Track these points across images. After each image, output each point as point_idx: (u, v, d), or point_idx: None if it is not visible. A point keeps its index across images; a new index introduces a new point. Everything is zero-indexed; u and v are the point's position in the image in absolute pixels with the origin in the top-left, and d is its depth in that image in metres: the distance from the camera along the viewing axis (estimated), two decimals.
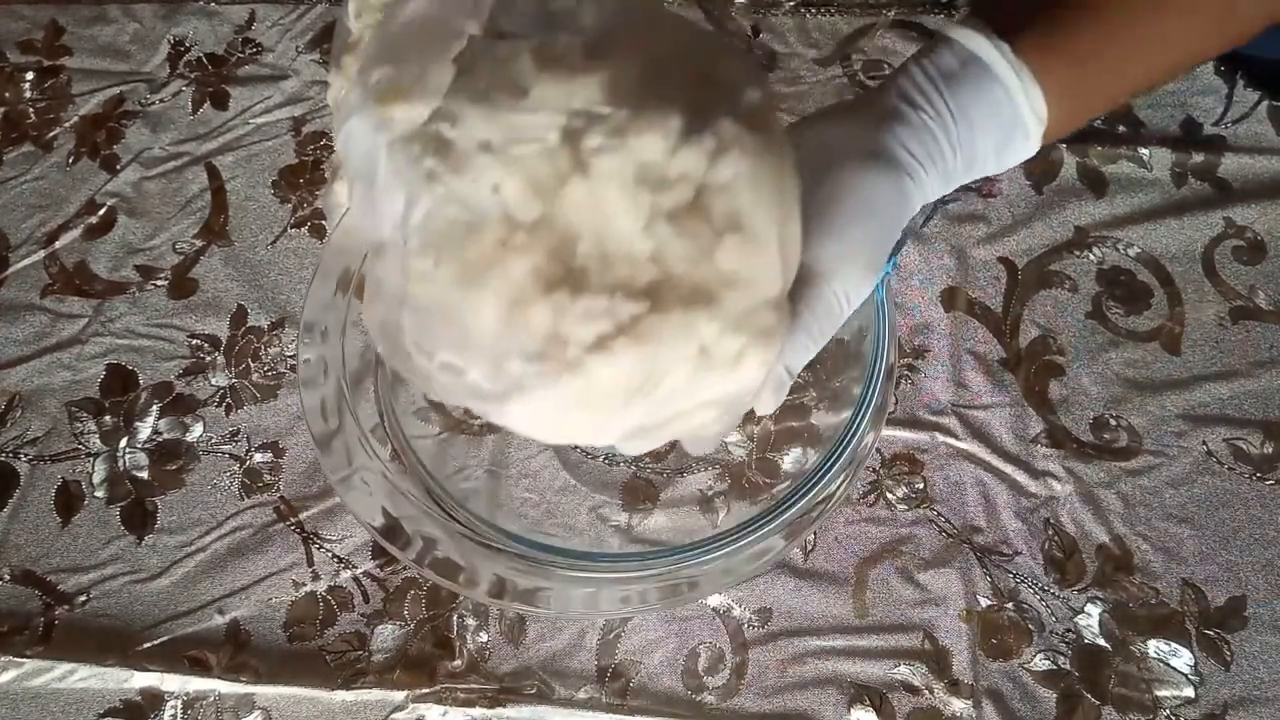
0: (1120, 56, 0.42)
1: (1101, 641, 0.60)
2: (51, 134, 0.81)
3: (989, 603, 0.62)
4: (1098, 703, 0.59)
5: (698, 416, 0.39)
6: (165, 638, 0.63)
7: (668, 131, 0.34)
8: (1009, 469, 0.65)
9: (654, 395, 0.37)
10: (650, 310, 0.35)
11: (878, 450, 0.66)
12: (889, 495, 0.65)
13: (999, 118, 0.42)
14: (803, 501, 0.50)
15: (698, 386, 0.37)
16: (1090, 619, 0.61)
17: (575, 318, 0.34)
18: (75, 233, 0.77)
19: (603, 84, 0.34)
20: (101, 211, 0.78)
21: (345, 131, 0.35)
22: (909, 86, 0.42)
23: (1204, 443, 0.65)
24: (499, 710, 0.59)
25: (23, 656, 0.62)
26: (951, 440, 0.66)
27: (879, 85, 0.44)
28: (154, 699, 0.61)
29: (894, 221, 0.42)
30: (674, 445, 0.64)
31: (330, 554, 0.65)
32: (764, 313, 0.37)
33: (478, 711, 0.59)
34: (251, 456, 0.68)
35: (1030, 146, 0.43)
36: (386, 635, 0.62)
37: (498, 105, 0.33)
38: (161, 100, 0.82)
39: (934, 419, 0.67)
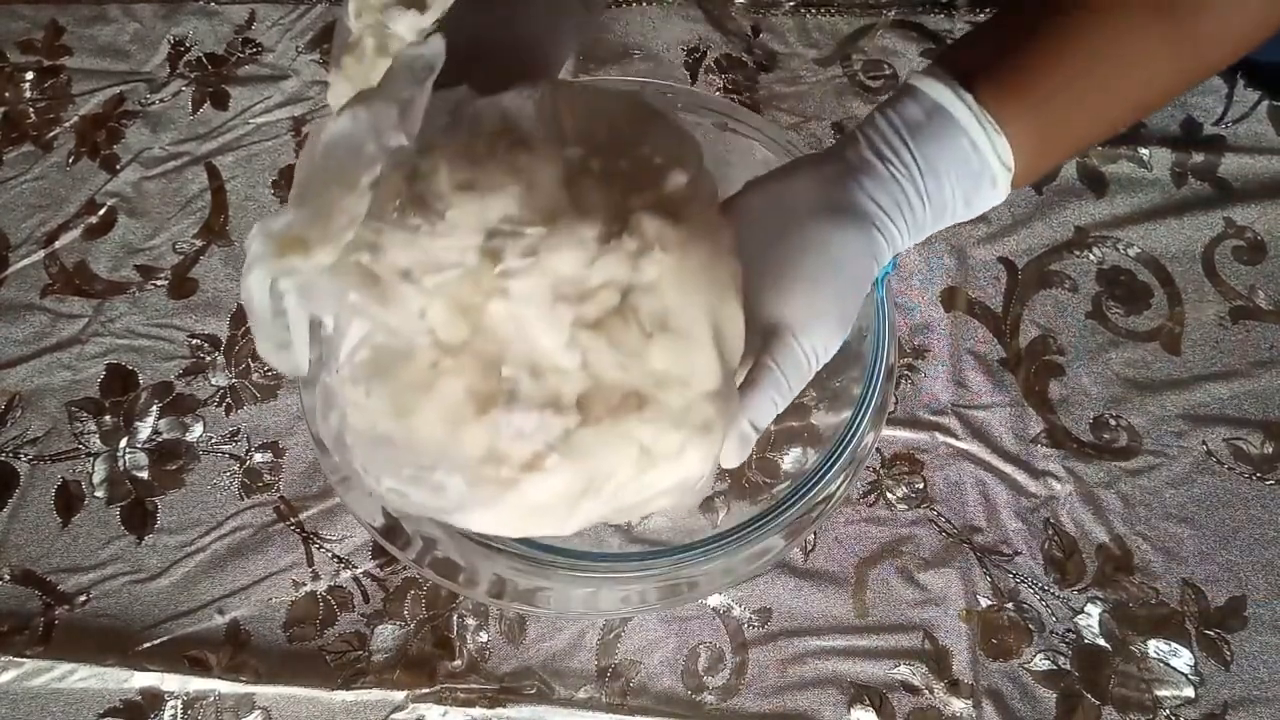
0: (1084, 101, 0.42)
1: (1101, 641, 0.60)
2: (51, 134, 0.81)
3: (989, 603, 0.62)
4: (1098, 703, 0.59)
5: (654, 503, 0.39)
6: (165, 638, 0.63)
7: (584, 243, 0.34)
8: (1009, 469, 0.65)
9: (600, 496, 0.37)
10: (581, 423, 0.35)
11: (878, 450, 0.66)
12: (889, 495, 0.65)
13: (967, 168, 0.42)
14: (803, 501, 0.50)
15: (644, 483, 0.37)
16: (1090, 619, 0.61)
17: (508, 437, 0.35)
18: (75, 233, 0.77)
19: (518, 196, 0.34)
20: (101, 211, 0.78)
21: (248, 282, 0.34)
22: (876, 138, 0.42)
23: (1204, 443, 0.65)
24: (499, 710, 0.59)
25: (23, 656, 0.62)
26: (951, 440, 0.66)
27: (846, 136, 0.44)
28: (154, 699, 0.61)
29: (863, 276, 0.42)
30: None
31: (330, 554, 0.65)
32: (702, 407, 0.37)
33: (478, 711, 0.59)
34: (251, 456, 0.68)
35: (999, 194, 0.43)
36: (386, 635, 0.62)
37: (416, 231, 0.34)
38: (161, 100, 0.82)
39: (934, 419, 0.67)
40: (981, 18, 0.81)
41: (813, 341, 0.41)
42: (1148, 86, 0.43)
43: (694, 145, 0.41)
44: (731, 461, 0.41)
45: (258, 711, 0.60)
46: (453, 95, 0.37)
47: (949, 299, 0.71)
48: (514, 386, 0.35)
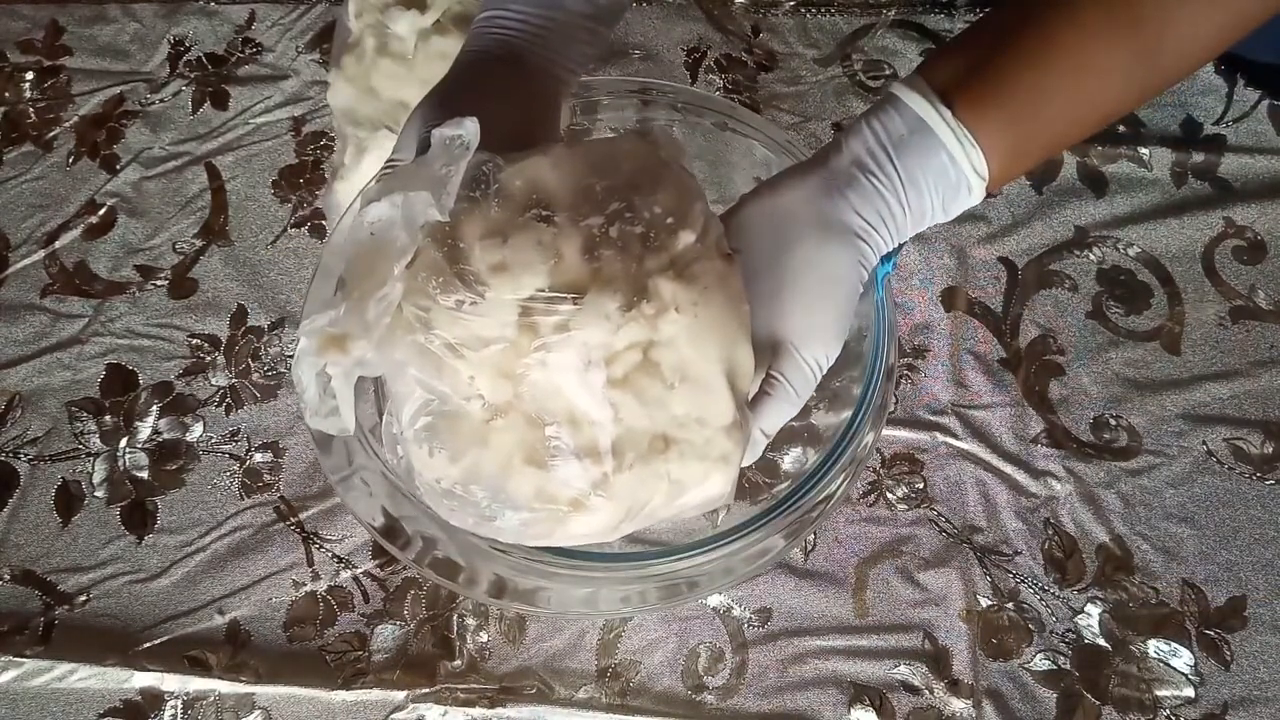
0: (1053, 113, 0.45)
1: (1101, 641, 0.60)
2: (51, 134, 0.81)
3: (989, 603, 0.62)
4: (1098, 703, 0.59)
5: (686, 514, 0.45)
6: (165, 638, 0.63)
7: (609, 315, 0.39)
8: (1009, 469, 0.65)
9: (638, 519, 0.43)
10: (617, 469, 0.40)
11: (878, 450, 0.66)
12: (889, 495, 0.65)
13: (945, 179, 0.44)
14: (803, 501, 0.50)
15: (675, 505, 0.43)
16: (1090, 619, 0.61)
17: (556, 484, 0.40)
18: (75, 233, 0.77)
19: (546, 272, 0.39)
20: (101, 211, 0.78)
21: (298, 372, 0.40)
22: (861, 151, 0.45)
23: (1204, 443, 0.65)
24: (499, 710, 0.59)
25: (23, 656, 0.62)
26: (951, 440, 0.66)
27: (831, 142, 0.47)
28: (154, 699, 0.61)
29: (854, 286, 0.45)
30: None
31: (330, 554, 0.65)
32: (719, 440, 0.42)
33: (478, 711, 0.59)
34: (251, 456, 0.68)
35: (974, 198, 0.46)
36: (386, 635, 0.62)
37: (460, 308, 0.39)
38: (161, 100, 0.82)
39: (934, 419, 0.67)
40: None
41: (814, 352, 0.45)
42: (1112, 98, 0.46)
43: (699, 193, 0.45)
44: (746, 462, 0.45)
45: (258, 711, 0.60)
46: (476, 159, 0.41)
47: (949, 299, 0.71)
48: (557, 441, 0.40)
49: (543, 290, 0.39)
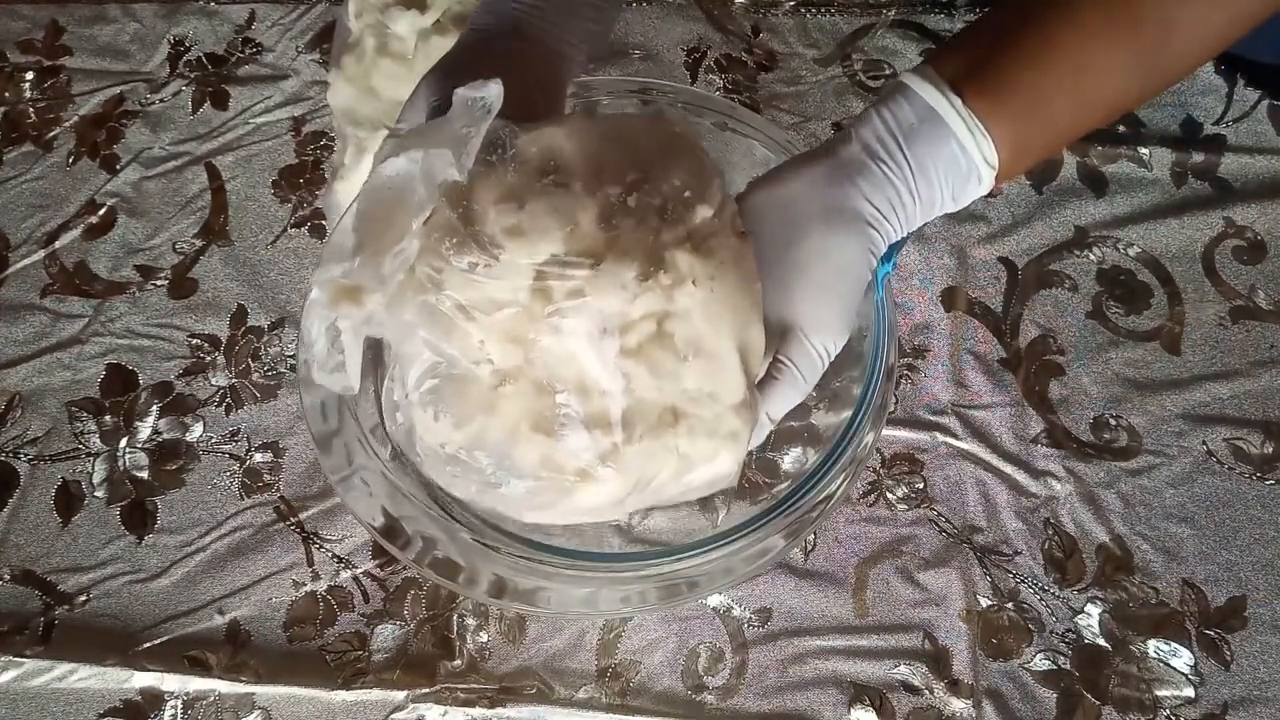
0: (1060, 109, 0.45)
1: (1101, 641, 0.60)
2: (51, 134, 0.81)
3: (989, 603, 0.62)
4: (1098, 703, 0.59)
5: (690, 495, 0.45)
6: (165, 638, 0.63)
7: (625, 284, 0.39)
8: (1009, 469, 0.65)
9: (644, 494, 0.43)
10: (626, 441, 0.40)
11: (878, 450, 0.66)
12: (889, 495, 0.65)
13: (955, 168, 0.44)
14: (803, 501, 0.50)
15: (683, 482, 0.43)
16: (1090, 619, 0.61)
17: (564, 453, 0.40)
18: (75, 233, 0.77)
19: (562, 239, 0.39)
20: (101, 211, 0.78)
21: (307, 324, 0.40)
22: (870, 138, 0.45)
23: (1204, 443, 0.65)
24: (499, 710, 0.59)
25: (23, 656, 0.62)
26: (951, 440, 0.66)
27: (840, 132, 0.47)
28: (154, 699, 0.61)
29: (863, 274, 0.45)
30: None
31: (330, 554, 0.65)
32: (729, 418, 0.42)
33: (478, 711, 0.59)
34: (251, 456, 0.68)
35: (984, 188, 0.46)
36: (386, 635, 0.62)
37: (473, 270, 0.38)
38: (161, 100, 0.82)
39: (934, 419, 0.67)
40: None
41: (823, 339, 0.45)
42: (1112, 97, 0.46)
43: (716, 171, 0.44)
44: (753, 444, 0.45)
45: (258, 711, 0.60)
46: (492, 124, 0.40)
47: (949, 299, 0.71)
48: (567, 409, 0.39)
49: (558, 256, 0.39)
